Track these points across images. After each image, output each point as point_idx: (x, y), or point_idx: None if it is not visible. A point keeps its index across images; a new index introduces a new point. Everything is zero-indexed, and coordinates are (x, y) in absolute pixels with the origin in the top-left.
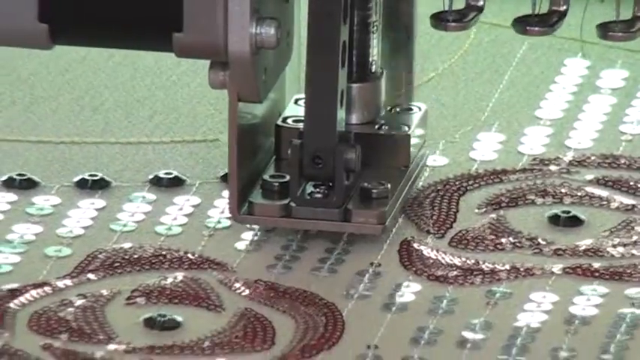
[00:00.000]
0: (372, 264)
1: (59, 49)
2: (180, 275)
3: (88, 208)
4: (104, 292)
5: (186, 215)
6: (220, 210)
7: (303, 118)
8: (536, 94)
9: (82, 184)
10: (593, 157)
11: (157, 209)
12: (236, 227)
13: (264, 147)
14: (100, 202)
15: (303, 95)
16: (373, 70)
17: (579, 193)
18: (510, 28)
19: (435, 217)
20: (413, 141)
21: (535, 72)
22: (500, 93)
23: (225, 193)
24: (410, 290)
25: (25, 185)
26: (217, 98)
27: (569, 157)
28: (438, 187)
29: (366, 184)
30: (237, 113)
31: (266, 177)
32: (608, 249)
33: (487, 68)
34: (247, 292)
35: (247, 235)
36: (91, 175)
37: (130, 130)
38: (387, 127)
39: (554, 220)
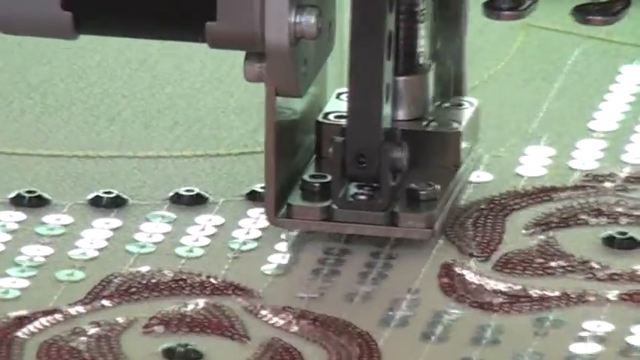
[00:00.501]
0: (409, 290)
1: (73, 54)
2: (202, 302)
3: (102, 228)
4: (119, 319)
5: (208, 236)
6: (245, 231)
7: (345, 114)
8: (590, 104)
9: (97, 202)
10: None
11: (178, 229)
12: (263, 250)
13: (304, 145)
14: (115, 222)
15: (345, 89)
16: (421, 62)
17: (636, 213)
18: (562, 33)
19: (478, 239)
20: (464, 139)
21: (588, 80)
22: (550, 103)
23: (252, 212)
24: (451, 318)
25: (34, 203)
26: (242, 108)
27: (625, 173)
28: (482, 206)
29: (413, 185)
30: (275, 109)
31: (306, 177)
32: None
33: (536, 75)
34: (275, 320)
35: (275, 258)
36: (106, 193)
37: (149, 143)
38: (436, 124)
39: (609, 242)
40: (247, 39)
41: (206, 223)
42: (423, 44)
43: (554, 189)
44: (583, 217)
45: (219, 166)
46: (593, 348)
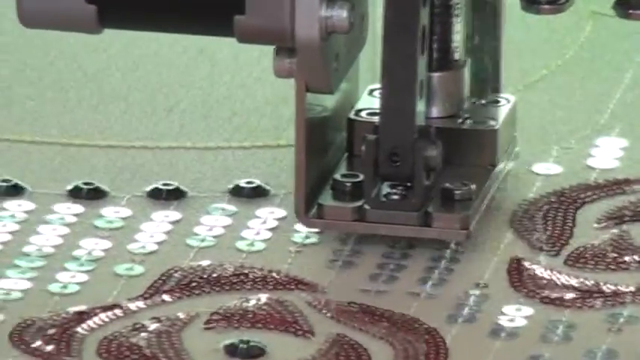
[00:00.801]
0: (478, 284)
1: (129, 42)
2: (264, 297)
3: (162, 221)
4: (180, 315)
5: (270, 229)
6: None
7: (378, 111)
8: None
9: (156, 195)
10: None
11: (238, 222)
12: (326, 243)
13: (335, 143)
14: (175, 215)
15: (378, 85)
16: (456, 58)
17: None
18: (632, 20)
19: (549, 233)
20: (500, 137)
21: None
22: (622, 93)
23: None
24: (521, 314)
25: (92, 195)
26: None
27: None
28: (552, 199)
29: (448, 185)
30: (306, 105)
31: (337, 176)
32: None
33: (607, 65)
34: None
35: (338, 252)
36: (165, 185)
37: (208, 134)
38: (471, 122)
39: None
40: (277, 33)
41: (267, 215)
42: (458, 39)
43: (627, 181)
44: None
45: (279, 157)
46: None
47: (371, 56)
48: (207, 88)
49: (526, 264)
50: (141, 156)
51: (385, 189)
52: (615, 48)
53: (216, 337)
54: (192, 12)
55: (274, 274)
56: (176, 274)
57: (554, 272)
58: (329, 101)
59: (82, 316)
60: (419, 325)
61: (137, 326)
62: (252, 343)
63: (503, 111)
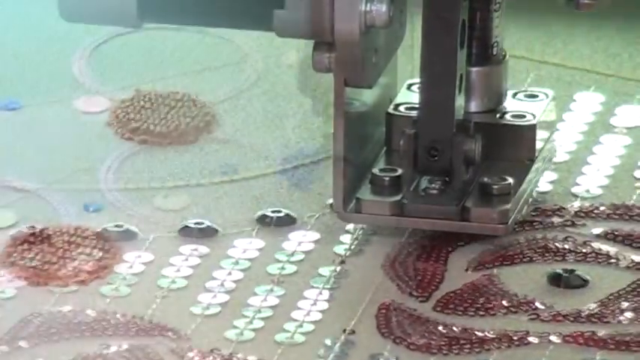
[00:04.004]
0: (344, 330)
1: None
2: (125, 343)
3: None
4: None
5: (136, 274)
6: (176, 268)
7: (417, 106)
8: None
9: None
10: (602, 208)
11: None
12: (192, 289)
13: (374, 137)
14: None
15: (417, 80)
16: (495, 53)
17: (584, 250)
18: (516, 58)
19: (419, 278)
20: (539, 132)
21: None
22: None
23: (183, 249)
24: None
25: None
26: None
27: (575, 207)
28: (424, 243)
29: (486, 179)
30: (345, 100)
31: (375, 171)
32: (616, 314)
33: None
34: None
35: (205, 298)
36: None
37: None
38: (510, 116)
39: (555, 280)
40: (316, 28)
41: (134, 260)
42: (497, 34)
43: None
44: (529, 254)
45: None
46: None
47: (410, 51)
48: None
49: (394, 309)
50: None
51: (424, 183)
52: None
53: None
54: (232, 6)
55: (137, 320)
56: (35, 320)
57: (423, 318)
58: (368, 96)
59: None
60: None
61: None
62: None
63: (541, 105)
